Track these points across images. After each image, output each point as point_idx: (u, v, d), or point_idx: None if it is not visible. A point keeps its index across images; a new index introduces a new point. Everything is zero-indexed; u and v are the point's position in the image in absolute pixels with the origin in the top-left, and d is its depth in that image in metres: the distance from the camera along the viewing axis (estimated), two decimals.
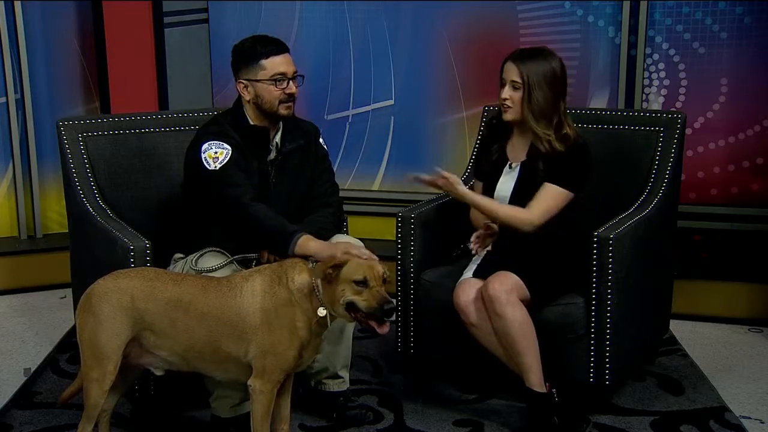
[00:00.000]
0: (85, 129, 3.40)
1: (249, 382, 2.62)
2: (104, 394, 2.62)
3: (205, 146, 2.94)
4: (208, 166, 2.91)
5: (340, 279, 2.57)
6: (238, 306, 2.60)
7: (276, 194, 3.02)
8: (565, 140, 3.03)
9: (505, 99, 3.03)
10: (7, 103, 4.63)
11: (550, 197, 3.01)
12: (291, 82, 2.96)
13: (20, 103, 4.64)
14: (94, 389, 2.60)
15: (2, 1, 4.54)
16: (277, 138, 3.06)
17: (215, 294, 2.62)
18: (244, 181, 2.91)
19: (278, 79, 2.94)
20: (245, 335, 2.60)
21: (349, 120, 4.60)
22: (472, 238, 3.14)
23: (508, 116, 3.06)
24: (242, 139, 2.98)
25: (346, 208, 3.54)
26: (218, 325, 2.60)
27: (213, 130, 3.00)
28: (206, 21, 4.63)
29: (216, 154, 2.93)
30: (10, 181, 4.70)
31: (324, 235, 2.92)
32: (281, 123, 3.05)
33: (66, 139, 3.35)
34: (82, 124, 3.42)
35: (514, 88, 3.02)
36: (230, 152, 2.93)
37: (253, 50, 2.97)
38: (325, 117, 4.61)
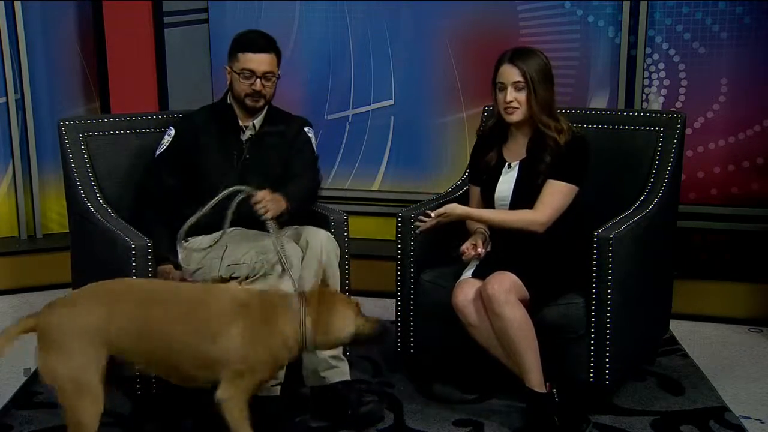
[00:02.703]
0: (85, 129, 3.41)
1: (218, 396, 2.55)
2: (98, 415, 2.51)
3: (167, 130, 3.29)
4: (156, 150, 3.27)
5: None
6: (212, 349, 2.53)
7: (253, 171, 3.18)
8: (563, 133, 3.03)
9: (511, 101, 3.02)
10: (7, 103, 4.63)
11: (556, 193, 3.01)
12: (258, 80, 3.17)
13: (20, 103, 4.64)
14: (86, 415, 2.48)
15: (2, 1, 4.54)
16: (256, 120, 3.25)
17: (184, 326, 2.53)
18: (164, 178, 3.19)
19: (245, 75, 3.17)
20: (215, 367, 2.54)
21: (349, 120, 4.60)
22: (465, 246, 3.11)
23: (515, 117, 3.05)
24: (215, 117, 3.27)
25: (346, 208, 3.56)
26: (185, 356, 2.54)
27: (183, 114, 3.39)
28: (206, 21, 4.63)
29: (163, 140, 3.27)
30: (10, 181, 4.70)
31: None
32: (266, 109, 3.27)
33: (67, 139, 3.36)
34: (82, 123, 3.42)
35: (518, 89, 3.01)
36: (170, 139, 3.24)
37: (238, 42, 3.23)
38: (325, 117, 4.61)
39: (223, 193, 2.93)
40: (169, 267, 3.04)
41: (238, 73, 3.18)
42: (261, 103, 3.22)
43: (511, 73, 3.02)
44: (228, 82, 3.26)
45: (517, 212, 3.05)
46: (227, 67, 3.25)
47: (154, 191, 3.21)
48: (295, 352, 2.65)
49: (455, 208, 3.04)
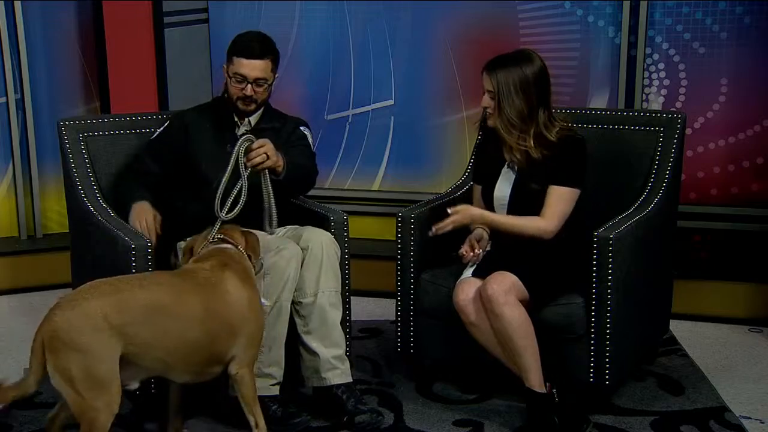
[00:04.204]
0: (85, 129, 3.41)
1: (235, 371, 2.70)
2: (113, 415, 2.50)
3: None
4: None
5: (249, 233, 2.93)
6: (230, 302, 2.68)
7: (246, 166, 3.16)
8: (547, 147, 3.00)
9: (486, 107, 3.05)
10: (7, 103, 4.63)
11: (561, 200, 3.02)
12: (250, 85, 3.18)
13: (20, 103, 4.64)
14: (102, 417, 2.47)
15: (2, 1, 4.54)
16: (253, 117, 3.28)
17: (197, 295, 2.63)
18: (147, 162, 3.24)
19: (237, 79, 3.19)
20: (237, 329, 2.69)
21: (349, 120, 4.60)
22: (464, 249, 3.11)
23: (490, 123, 3.08)
24: (211, 111, 3.31)
25: (346, 208, 3.56)
26: (215, 324, 2.63)
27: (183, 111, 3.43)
28: (206, 21, 4.63)
29: (158, 130, 3.34)
30: (10, 181, 4.70)
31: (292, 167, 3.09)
32: (263, 108, 3.29)
33: (67, 139, 3.36)
34: (82, 124, 3.42)
35: (492, 97, 3.03)
36: (163, 127, 3.31)
37: (235, 44, 3.24)
38: (325, 117, 4.61)
39: (236, 149, 2.93)
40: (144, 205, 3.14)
41: (231, 77, 3.21)
42: (252, 107, 3.24)
43: (485, 81, 3.04)
44: (225, 80, 3.28)
45: (528, 219, 3.03)
46: (224, 66, 3.27)
47: (136, 170, 3.27)
48: None
49: (471, 209, 3.05)
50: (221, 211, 2.89)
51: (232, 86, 3.21)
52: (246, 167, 2.92)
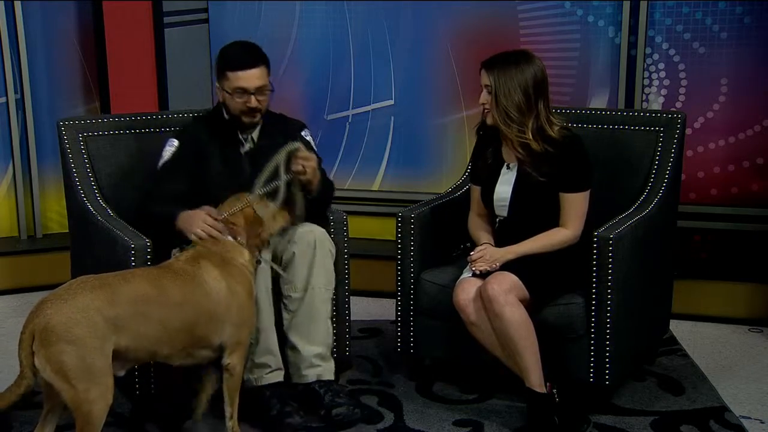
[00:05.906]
0: (85, 129, 3.41)
1: (227, 361, 2.77)
2: (108, 406, 2.53)
3: (167, 141, 3.22)
4: (158, 161, 3.20)
5: (253, 221, 2.87)
6: (208, 292, 2.72)
7: (251, 183, 3.06)
8: (549, 143, 3.01)
9: (483, 103, 3.06)
10: (7, 103, 4.63)
11: (576, 205, 3.03)
12: (252, 96, 3.09)
13: (20, 103, 4.64)
14: (97, 409, 2.50)
15: (2, 1, 4.54)
16: (254, 133, 3.20)
17: (175, 283, 2.69)
18: (172, 185, 3.10)
19: (239, 93, 3.09)
20: (219, 316, 2.73)
21: (349, 120, 4.60)
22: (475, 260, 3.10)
23: (488, 120, 3.08)
24: (214, 130, 3.19)
25: (346, 208, 3.56)
26: (194, 313, 2.69)
27: (181, 126, 3.31)
28: (206, 21, 4.63)
29: (165, 152, 3.19)
30: (10, 181, 4.70)
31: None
32: (262, 120, 3.19)
33: (67, 139, 3.36)
34: (82, 124, 3.42)
35: (489, 93, 3.04)
36: (174, 150, 3.17)
37: (224, 59, 3.14)
38: (325, 117, 4.61)
39: (282, 150, 2.93)
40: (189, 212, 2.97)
41: (231, 93, 3.10)
42: (258, 117, 3.16)
43: (483, 77, 3.05)
44: (220, 99, 3.18)
45: (550, 234, 3.03)
46: (218, 85, 3.16)
47: (160, 197, 3.10)
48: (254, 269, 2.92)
49: (492, 252, 3.02)
50: (257, 189, 2.90)
51: (234, 102, 3.10)
52: (287, 170, 2.93)
